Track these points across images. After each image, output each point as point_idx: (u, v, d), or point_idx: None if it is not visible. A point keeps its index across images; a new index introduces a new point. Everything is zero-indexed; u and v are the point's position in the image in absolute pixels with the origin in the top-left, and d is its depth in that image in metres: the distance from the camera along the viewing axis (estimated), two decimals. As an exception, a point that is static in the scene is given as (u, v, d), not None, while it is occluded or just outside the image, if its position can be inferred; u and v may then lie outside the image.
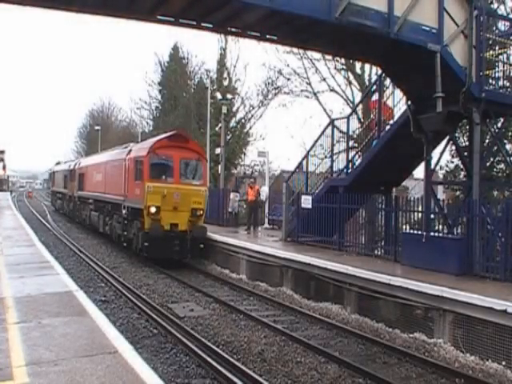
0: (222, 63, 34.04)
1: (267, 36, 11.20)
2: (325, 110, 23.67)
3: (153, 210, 15.59)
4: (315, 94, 24.05)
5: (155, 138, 17.92)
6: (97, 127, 56.16)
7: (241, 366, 7.22)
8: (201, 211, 16.52)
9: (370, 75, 21.88)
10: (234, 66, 33.77)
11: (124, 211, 17.66)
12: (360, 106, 18.90)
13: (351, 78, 22.53)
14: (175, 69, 38.83)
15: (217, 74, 34.38)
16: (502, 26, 13.49)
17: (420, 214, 12.58)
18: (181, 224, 16.16)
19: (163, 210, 15.76)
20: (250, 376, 6.87)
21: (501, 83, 12.95)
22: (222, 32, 19.08)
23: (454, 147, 15.57)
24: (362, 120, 18.21)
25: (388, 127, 14.08)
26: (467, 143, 13.86)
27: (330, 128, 16.37)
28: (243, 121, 34.72)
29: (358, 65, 21.90)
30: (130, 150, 18.33)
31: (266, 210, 21.60)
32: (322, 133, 16.65)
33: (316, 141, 16.90)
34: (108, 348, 5.41)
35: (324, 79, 23.11)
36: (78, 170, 28.92)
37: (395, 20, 10.18)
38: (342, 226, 14.38)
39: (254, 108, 33.94)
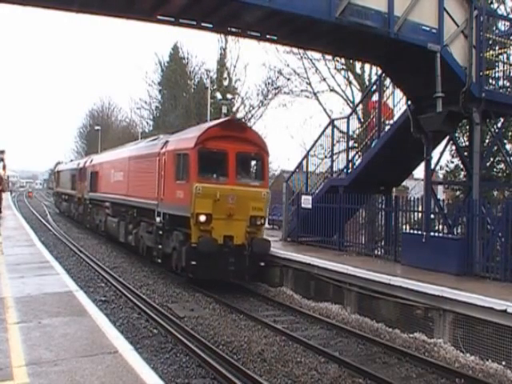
0: (222, 63, 34.05)
1: (267, 36, 11.23)
2: (325, 109, 23.73)
3: (202, 218, 12.13)
4: (315, 94, 24.09)
5: (204, 125, 14.16)
6: (97, 127, 56.22)
7: (241, 366, 7.21)
8: (261, 220, 13.06)
9: (370, 75, 21.95)
10: (234, 66, 33.81)
11: (158, 219, 14.12)
12: (360, 106, 18.92)
13: (351, 78, 22.56)
14: (175, 69, 38.87)
15: (217, 74, 34.39)
16: (502, 25, 13.53)
17: (420, 214, 12.58)
18: (237, 236, 12.59)
19: (215, 218, 12.28)
20: (249, 376, 6.86)
21: (501, 83, 12.98)
22: (221, 32, 19.08)
23: (454, 147, 15.60)
24: (362, 120, 18.24)
25: (388, 127, 14.10)
26: (467, 143, 13.87)
27: (330, 128, 16.41)
28: (243, 121, 34.70)
29: (358, 65, 21.93)
30: (167, 142, 14.51)
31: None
32: (322, 133, 16.68)
33: (316, 141, 16.93)
34: (108, 348, 5.41)
35: (324, 79, 23.17)
36: (89, 168, 25.38)
37: (395, 20, 10.21)
38: (341, 226, 14.38)
39: (254, 108, 33.93)
